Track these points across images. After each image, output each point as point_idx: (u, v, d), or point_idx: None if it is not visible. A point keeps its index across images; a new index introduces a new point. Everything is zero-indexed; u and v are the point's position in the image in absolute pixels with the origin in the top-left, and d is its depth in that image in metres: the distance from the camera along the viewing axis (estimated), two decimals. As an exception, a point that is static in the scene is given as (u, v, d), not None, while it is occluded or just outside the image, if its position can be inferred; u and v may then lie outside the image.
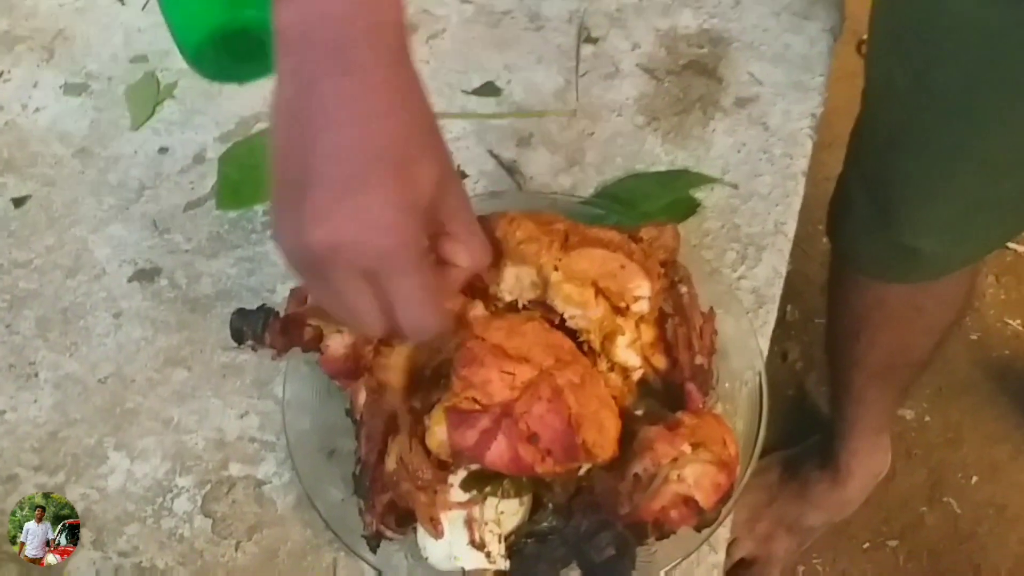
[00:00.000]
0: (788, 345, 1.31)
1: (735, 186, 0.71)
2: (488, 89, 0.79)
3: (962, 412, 1.27)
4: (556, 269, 0.52)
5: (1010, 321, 1.34)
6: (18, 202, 0.72)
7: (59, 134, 0.76)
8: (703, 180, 0.71)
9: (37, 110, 0.78)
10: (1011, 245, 1.36)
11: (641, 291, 0.52)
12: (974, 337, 1.32)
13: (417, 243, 0.43)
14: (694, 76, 0.78)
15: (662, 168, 0.72)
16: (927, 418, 1.28)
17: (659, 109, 0.76)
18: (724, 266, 0.66)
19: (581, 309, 0.52)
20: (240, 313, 0.53)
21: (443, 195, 0.44)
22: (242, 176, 0.71)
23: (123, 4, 0.85)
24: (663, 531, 0.46)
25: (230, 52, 0.77)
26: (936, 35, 0.68)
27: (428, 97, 0.45)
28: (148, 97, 0.78)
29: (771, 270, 0.67)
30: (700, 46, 0.80)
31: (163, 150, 0.75)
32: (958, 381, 1.29)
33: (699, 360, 0.54)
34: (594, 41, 0.81)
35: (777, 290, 0.66)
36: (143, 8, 0.85)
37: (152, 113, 0.77)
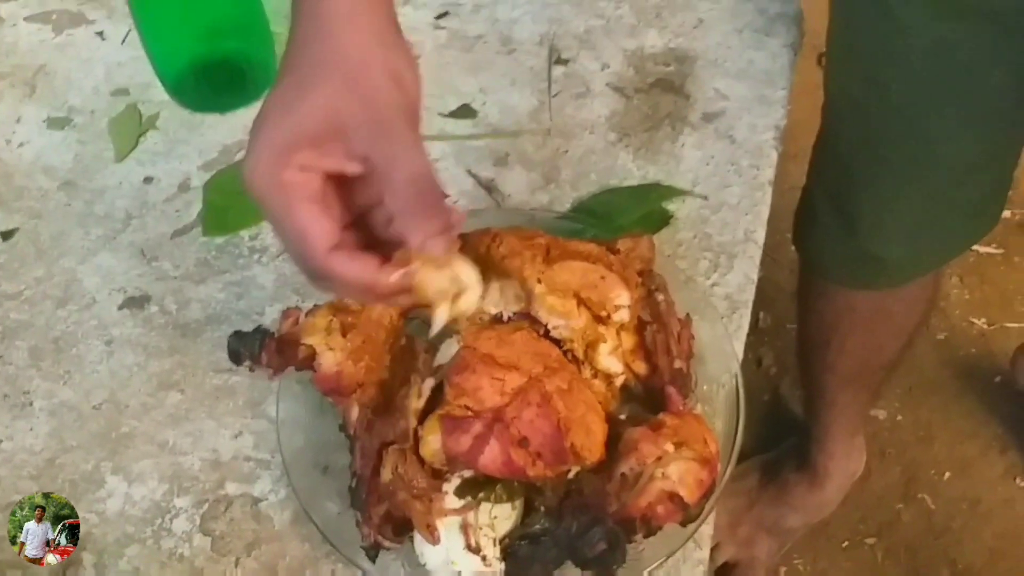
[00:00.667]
0: (762, 351, 1.35)
1: (705, 197, 0.74)
2: (464, 111, 0.81)
3: (932, 411, 1.31)
4: (539, 282, 0.54)
5: (975, 320, 1.38)
6: (6, 235, 0.73)
7: (44, 167, 0.78)
8: (674, 193, 0.74)
9: (21, 145, 0.79)
10: (973, 246, 1.40)
11: (621, 300, 0.55)
12: (941, 337, 1.36)
13: (274, 186, 0.43)
14: (662, 93, 0.81)
15: (635, 182, 0.75)
16: (899, 417, 1.31)
17: (630, 126, 0.79)
18: (698, 274, 0.69)
19: (564, 319, 0.55)
20: (237, 335, 0.55)
21: (370, 140, 0.43)
22: (227, 203, 0.73)
23: (103, 39, 0.87)
24: (651, 527, 0.48)
25: (211, 83, 0.79)
26: (891, 50, 0.71)
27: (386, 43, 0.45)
28: (131, 129, 0.79)
29: (743, 277, 0.70)
30: (667, 64, 0.83)
31: (148, 180, 0.77)
32: (927, 381, 1.33)
33: (678, 364, 0.57)
34: (565, 62, 0.84)
35: (749, 296, 0.69)
36: (123, 42, 0.87)
37: (135, 144, 0.79)
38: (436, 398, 0.52)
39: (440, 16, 0.88)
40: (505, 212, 0.74)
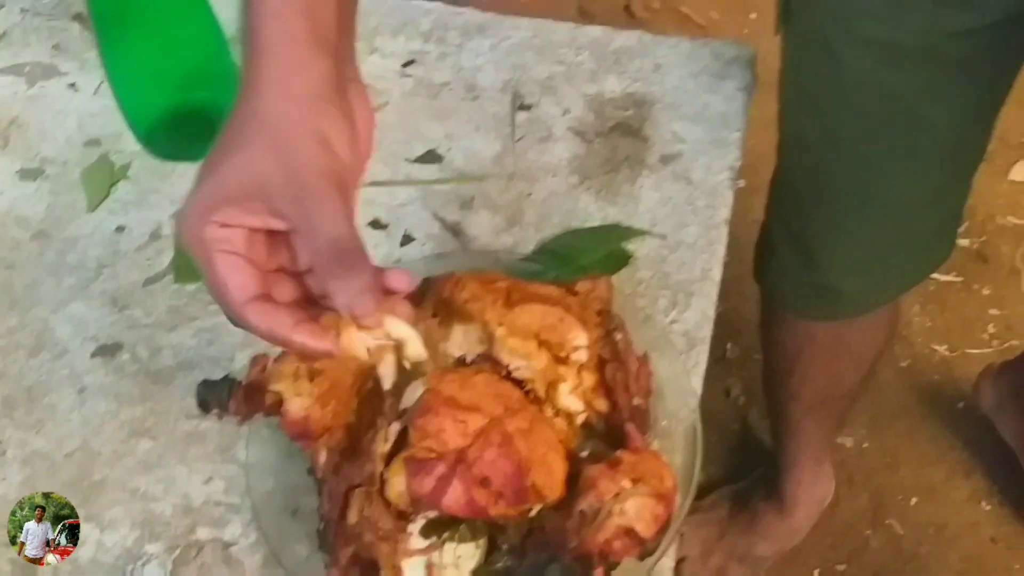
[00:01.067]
0: (730, 382, 1.37)
1: (663, 237, 0.76)
2: (430, 157, 0.83)
3: (898, 437, 1.34)
4: (500, 325, 0.56)
5: (937, 347, 1.41)
6: (-21, 286, 0.75)
7: (17, 218, 0.79)
8: (634, 233, 0.76)
9: (-7, 198, 0.81)
10: (933, 275, 1.44)
11: (579, 341, 0.57)
12: (904, 364, 1.39)
13: (197, 240, 0.47)
14: (621, 137, 0.84)
15: (596, 224, 0.78)
16: (865, 444, 1.34)
17: (590, 169, 0.82)
18: (657, 312, 0.71)
19: (525, 361, 0.56)
20: (205, 384, 0.56)
21: (290, 202, 0.45)
22: (198, 251, 0.74)
23: (75, 90, 0.89)
24: (609, 562, 0.50)
25: (181, 132, 0.81)
26: (836, 92, 0.74)
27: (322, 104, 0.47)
28: (103, 179, 0.81)
29: (700, 314, 0.72)
30: (626, 108, 0.86)
31: (120, 229, 0.78)
32: (892, 407, 1.35)
33: (636, 401, 0.59)
34: (527, 108, 0.87)
35: (707, 332, 0.71)
36: (95, 92, 0.88)
37: (107, 194, 0.80)
38: (402, 441, 0.54)
39: (406, 64, 0.90)
40: (471, 254, 0.76)
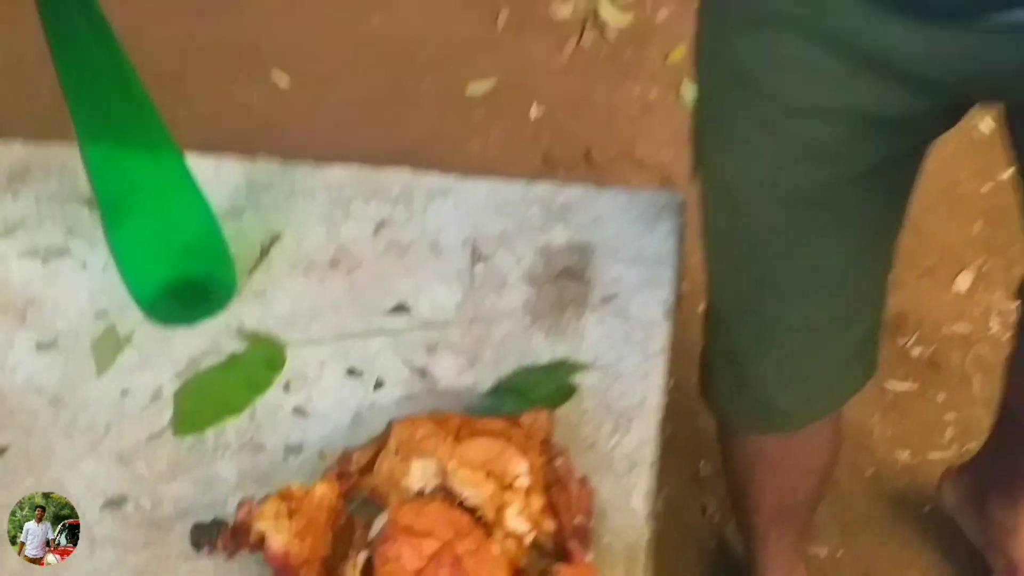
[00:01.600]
0: (705, 499, 1.43)
1: (605, 369, 0.86)
2: (400, 308, 0.94)
3: (870, 544, 1.39)
4: (452, 459, 0.65)
5: (900, 454, 1.48)
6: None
7: (35, 388, 0.89)
8: (579, 367, 0.86)
9: (14, 368, 0.91)
10: (887, 386, 1.53)
11: (519, 469, 0.65)
12: (869, 473, 1.46)
13: None
14: (567, 281, 0.95)
15: (546, 359, 0.87)
16: (839, 553, 1.39)
17: (541, 311, 0.92)
18: (601, 438, 0.80)
19: (475, 489, 0.65)
20: (197, 527, 0.65)
21: None
22: (195, 407, 0.84)
23: (85, 268, 1.00)
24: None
25: (178, 300, 0.92)
26: (747, 235, 0.86)
27: None
28: (110, 347, 0.91)
29: (640, 437, 0.80)
30: (571, 256, 0.97)
31: (125, 392, 0.88)
32: (862, 516, 1.41)
33: (578, 520, 0.67)
34: (485, 260, 0.98)
35: (647, 453, 0.79)
36: (103, 269, 1.00)
37: (114, 361, 0.90)
38: (369, 568, 0.62)
39: (377, 228, 1.02)
40: (436, 394, 0.85)
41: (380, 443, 0.69)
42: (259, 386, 0.86)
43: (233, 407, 0.84)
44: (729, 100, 0.79)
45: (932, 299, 1.59)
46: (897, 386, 1.51)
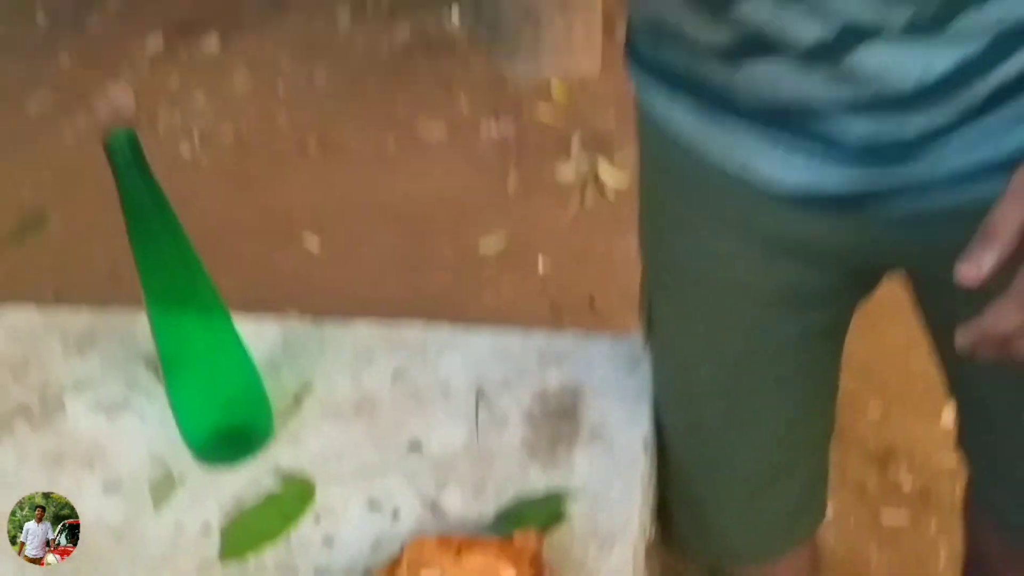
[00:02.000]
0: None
1: (594, 496, 0.98)
2: (414, 447, 1.08)
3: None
4: (453, 567, 0.78)
5: (899, 586, 1.54)
6: (70, 580, 0.97)
7: (102, 527, 1.02)
8: (570, 495, 0.98)
9: (83, 510, 1.04)
10: (881, 517, 1.60)
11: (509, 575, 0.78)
12: (871, 605, 1.53)
13: None
14: (560, 419, 1.09)
15: (541, 489, 1.00)
16: None
17: (537, 447, 1.05)
18: (588, 558, 0.92)
19: (474, 595, 0.77)
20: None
21: None
22: (239, 538, 0.97)
23: (143, 420, 1.15)
24: None
25: (225, 445, 1.06)
26: (690, 395, 0.99)
27: None
28: (165, 488, 1.05)
29: (623, 556, 0.92)
30: (564, 397, 1.11)
31: (178, 526, 1.01)
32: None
33: (564, 626, 0.78)
34: (489, 402, 1.12)
35: (628, 572, 0.91)
36: (158, 420, 1.15)
37: (168, 499, 1.04)
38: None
39: (396, 376, 1.17)
40: (445, 522, 0.98)
41: (395, 563, 0.82)
42: (293, 518, 0.99)
43: (271, 536, 0.97)
44: (668, 281, 0.94)
45: (921, 432, 1.69)
46: (891, 516, 1.59)
